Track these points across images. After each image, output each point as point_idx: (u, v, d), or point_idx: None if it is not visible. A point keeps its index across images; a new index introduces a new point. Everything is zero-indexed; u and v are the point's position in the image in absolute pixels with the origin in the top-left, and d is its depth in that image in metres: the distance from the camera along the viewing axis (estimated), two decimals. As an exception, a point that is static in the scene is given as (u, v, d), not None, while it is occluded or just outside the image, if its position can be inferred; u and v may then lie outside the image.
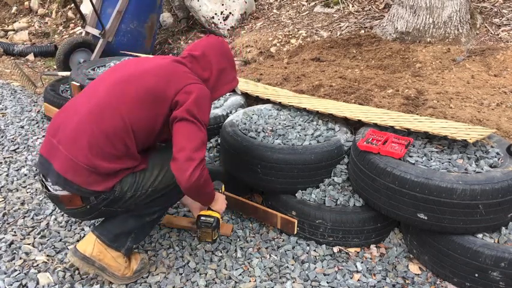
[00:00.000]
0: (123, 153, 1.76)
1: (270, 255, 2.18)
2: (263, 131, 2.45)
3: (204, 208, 2.04)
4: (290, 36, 5.15)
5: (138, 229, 1.94)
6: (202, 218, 2.00)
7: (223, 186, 2.18)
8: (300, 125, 2.51)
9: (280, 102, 2.75)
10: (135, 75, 1.83)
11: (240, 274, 2.06)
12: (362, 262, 2.13)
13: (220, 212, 2.04)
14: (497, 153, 2.09)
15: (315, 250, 2.21)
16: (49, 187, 1.79)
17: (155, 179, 1.85)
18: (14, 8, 7.37)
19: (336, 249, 2.20)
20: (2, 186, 2.79)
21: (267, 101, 2.84)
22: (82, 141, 1.71)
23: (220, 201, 2.04)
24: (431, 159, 2.04)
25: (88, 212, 1.84)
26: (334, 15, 5.45)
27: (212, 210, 2.02)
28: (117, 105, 1.75)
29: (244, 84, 3.34)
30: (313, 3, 5.81)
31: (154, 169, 1.86)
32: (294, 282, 2.01)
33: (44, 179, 1.81)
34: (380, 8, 5.37)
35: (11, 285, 1.96)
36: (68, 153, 1.71)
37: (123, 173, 1.79)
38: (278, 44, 5.06)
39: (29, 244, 2.24)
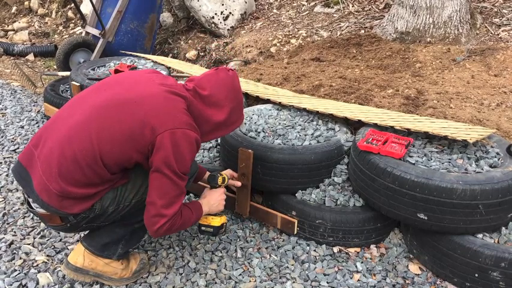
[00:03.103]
0: (94, 180, 1.67)
1: (270, 255, 2.18)
2: (263, 131, 2.45)
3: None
4: (290, 36, 5.15)
5: (129, 235, 1.90)
6: (202, 228, 2.00)
7: (220, 178, 2.07)
8: (300, 125, 2.51)
9: (280, 102, 2.75)
10: (119, 103, 1.68)
11: (240, 274, 2.06)
12: (362, 262, 2.13)
13: (219, 212, 2.01)
14: (497, 153, 2.09)
15: (315, 250, 2.21)
16: (31, 203, 1.74)
17: (138, 190, 1.78)
18: (14, 8, 7.36)
19: (336, 249, 2.20)
20: (2, 186, 2.79)
21: (267, 101, 2.83)
22: (53, 167, 1.63)
23: (215, 205, 1.97)
24: (431, 159, 2.04)
25: (70, 229, 1.82)
26: (334, 15, 5.45)
27: (211, 215, 2.00)
28: (91, 134, 1.64)
29: (244, 84, 3.34)
30: (313, 3, 5.81)
31: (137, 180, 1.78)
32: (294, 282, 2.01)
33: (25, 195, 1.76)
34: (380, 8, 5.37)
35: (11, 285, 1.96)
36: (43, 174, 1.65)
37: (100, 193, 1.71)
38: (278, 44, 5.06)
39: (29, 244, 2.24)
